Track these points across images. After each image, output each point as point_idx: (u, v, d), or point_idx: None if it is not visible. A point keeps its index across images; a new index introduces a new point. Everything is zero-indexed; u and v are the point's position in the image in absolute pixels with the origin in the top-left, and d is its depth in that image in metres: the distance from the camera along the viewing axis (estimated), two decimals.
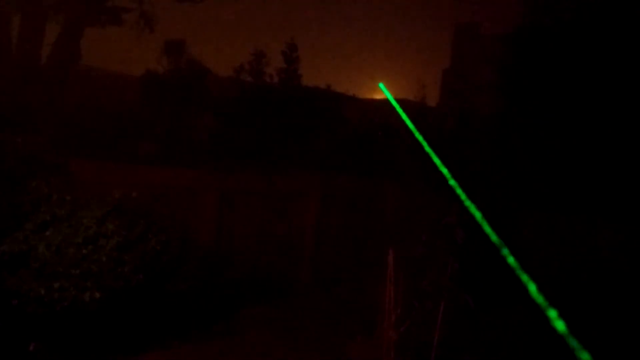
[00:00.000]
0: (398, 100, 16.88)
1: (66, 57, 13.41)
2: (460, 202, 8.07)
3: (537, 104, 10.57)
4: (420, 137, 8.73)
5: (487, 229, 6.28)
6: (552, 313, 3.92)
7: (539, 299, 4.30)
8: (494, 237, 5.90)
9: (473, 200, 7.50)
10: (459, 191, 7.52)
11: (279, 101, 14.06)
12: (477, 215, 7.05)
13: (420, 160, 11.55)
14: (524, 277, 4.61)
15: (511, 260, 4.84)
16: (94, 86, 14.09)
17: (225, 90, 14.13)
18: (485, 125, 11.39)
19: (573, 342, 3.57)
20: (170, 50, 14.33)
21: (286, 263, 10.76)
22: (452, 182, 7.86)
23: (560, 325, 3.75)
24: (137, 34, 14.82)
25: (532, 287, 4.31)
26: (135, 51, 15.04)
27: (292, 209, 10.85)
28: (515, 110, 10.64)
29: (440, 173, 10.38)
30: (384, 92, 10.46)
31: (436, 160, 8.60)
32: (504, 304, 8.20)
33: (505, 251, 4.95)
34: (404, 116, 9.87)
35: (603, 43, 10.22)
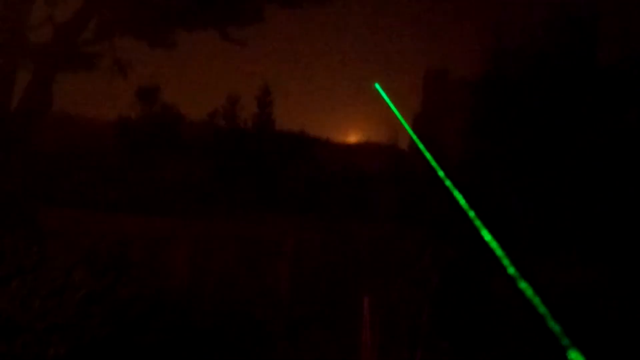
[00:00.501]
0: (371, 143, 17.14)
1: (37, 104, 13.29)
2: (435, 244, 8.09)
3: (504, 146, 10.83)
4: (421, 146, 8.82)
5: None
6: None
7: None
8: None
9: (449, 243, 7.52)
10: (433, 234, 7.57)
11: (252, 145, 14.11)
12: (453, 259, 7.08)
13: (395, 202, 11.63)
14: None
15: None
16: (66, 132, 13.94)
17: (199, 135, 14.13)
18: (458, 169, 11.57)
19: None
20: (143, 96, 14.33)
21: (261, 309, 10.55)
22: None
23: None
24: (110, 80, 14.80)
25: None
26: (108, 96, 15.00)
27: (266, 255, 10.72)
28: (485, 153, 10.86)
29: (415, 216, 10.48)
30: (380, 93, 10.58)
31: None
32: (481, 350, 8.14)
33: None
34: (403, 122, 9.97)
35: (560, 87, 10.63)
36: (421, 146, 9.37)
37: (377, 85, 10.56)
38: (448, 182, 8.58)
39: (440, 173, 8.56)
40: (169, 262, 9.56)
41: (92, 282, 7.16)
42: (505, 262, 7.32)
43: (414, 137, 9.49)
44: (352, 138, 18.00)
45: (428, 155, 8.93)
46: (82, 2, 14.16)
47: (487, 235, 7.53)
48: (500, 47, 11.39)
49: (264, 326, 10.11)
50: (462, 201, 8.31)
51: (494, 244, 7.41)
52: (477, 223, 8.06)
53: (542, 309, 6.51)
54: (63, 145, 13.24)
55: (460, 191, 9.77)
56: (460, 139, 11.92)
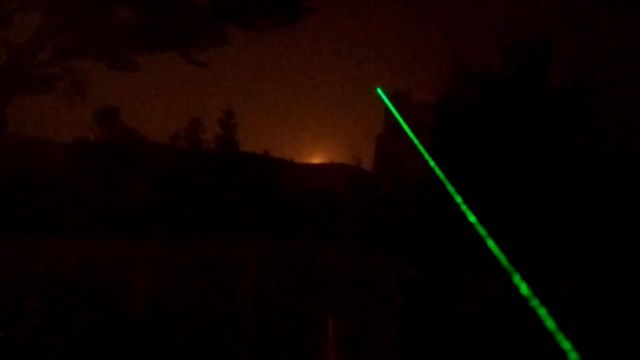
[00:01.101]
0: (335, 164, 17.24)
1: None
2: (398, 264, 8.15)
3: (462, 167, 11.08)
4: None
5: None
6: None
7: None
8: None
9: (411, 262, 7.59)
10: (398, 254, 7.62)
11: (215, 167, 14.01)
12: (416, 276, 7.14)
13: (358, 223, 11.69)
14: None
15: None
16: (20, 155, 13.56)
17: (160, 157, 13.96)
18: (417, 188, 11.75)
19: None
20: (102, 118, 14.11)
21: (224, 333, 10.36)
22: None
23: None
24: (68, 102, 14.54)
25: None
26: (66, 119, 14.71)
27: (229, 276, 10.56)
28: (444, 174, 11.06)
29: (380, 235, 10.55)
30: (381, 96, 10.67)
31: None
32: None
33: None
34: (400, 120, 10.01)
35: (517, 109, 10.98)
36: (433, 164, 9.49)
37: (379, 90, 10.68)
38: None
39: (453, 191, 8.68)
40: (129, 286, 9.31)
41: (47, 309, 6.91)
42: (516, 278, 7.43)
43: (425, 152, 9.56)
44: (317, 159, 18.11)
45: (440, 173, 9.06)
46: (39, 23, 13.95)
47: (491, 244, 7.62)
48: (459, 70, 11.71)
49: (228, 350, 9.92)
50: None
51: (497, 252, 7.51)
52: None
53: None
54: (17, 168, 12.87)
55: (424, 211, 9.95)
56: (421, 160, 12.12)
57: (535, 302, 7.86)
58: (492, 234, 9.27)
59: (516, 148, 10.59)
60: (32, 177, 12.52)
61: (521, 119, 10.69)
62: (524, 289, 8.27)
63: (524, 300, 8.11)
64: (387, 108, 16.20)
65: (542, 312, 7.94)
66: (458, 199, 9.96)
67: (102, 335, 7.54)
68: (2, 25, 13.35)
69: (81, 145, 13.71)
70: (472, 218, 9.62)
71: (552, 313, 7.46)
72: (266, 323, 10.25)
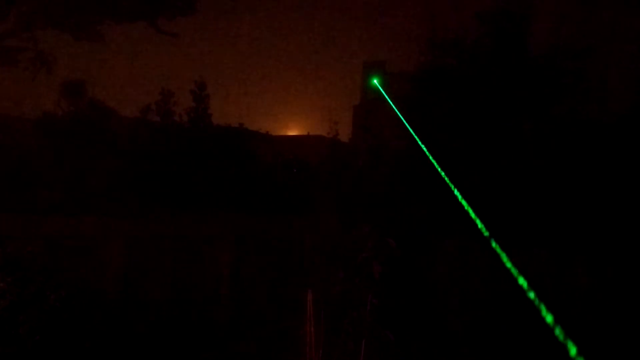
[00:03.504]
0: (312, 136, 17.05)
1: None
2: (376, 236, 8.09)
3: (440, 137, 11.04)
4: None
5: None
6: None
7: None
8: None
9: (390, 233, 7.54)
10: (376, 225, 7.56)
11: (188, 141, 13.72)
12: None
13: (336, 195, 11.61)
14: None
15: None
16: None
17: (131, 131, 13.58)
18: (395, 159, 11.70)
19: None
20: (69, 92, 13.62)
21: (201, 310, 10.26)
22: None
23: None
24: (32, 75, 13.98)
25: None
26: (32, 93, 14.17)
27: (205, 253, 10.41)
28: (421, 143, 11.01)
29: (358, 206, 10.48)
30: (376, 85, 10.51)
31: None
32: (423, 337, 8.24)
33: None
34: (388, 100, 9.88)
35: (496, 78, 10.93)
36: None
37: (373, 80, 10.55)
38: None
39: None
40: (102, 264, 9.10)
41: (18, 289, 6.70)
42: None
43: (404, 121, 9.48)
44: (293, 131, 17.87)
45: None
46: None
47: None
48: (436, 38, 11.57)
49: (206, 327, 9.85)
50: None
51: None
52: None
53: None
54: None
55: (401, 181, 9.90)
56: (398, 130, 12.04)
57: (513, 270, 7.94)
58: (471, 203, 9.29)
59: (495, 116, 10.57)
60: None
61: (500, 87, 10.64)
62: (503, 258, 8.35)
63: (503, 268, 8.18)
64: (363, 78, 16.01)
65: (521, 280, 8.03)
66: (437, 168, 9.95)
67: (76, 314, 7.39)
68: None
69: (48, 120, 13.24)
70: (451, 187, 9.63)
71: (530, 281, 7.54)
72: (243, 300, 10.20)
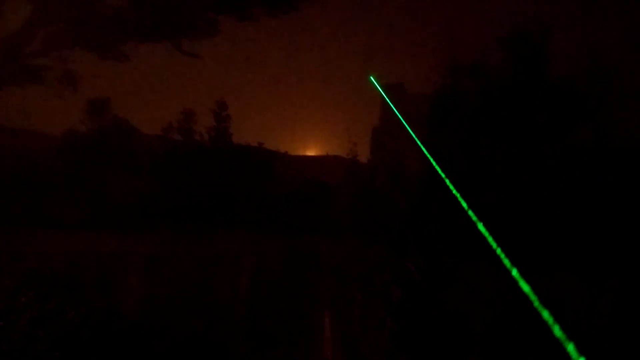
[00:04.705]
0: (330, 157, 17.09)
1: None
2: (395, 258, 8.04)
3: (459, 159, 10.99)
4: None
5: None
6: None
7: None
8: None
9: (408, 256, 7.49)
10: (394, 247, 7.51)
11: (209, 159, 13.86)
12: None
13: (354, 216, 11.59)
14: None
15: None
16: (12, 148, 13.33)
17: (153, 149, 13.78)
18: (413, 181, 11.67)
19: None
20: (94, 109, 13.91)
21: (219, 329, 10.25)
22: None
23: None
24: (58, 93, 14.26)
25: None
26: (58, 110, 14.46)
27: (223, 272, 10.44)
28: (442, 166, 10.96)
29: (376, 228, 10.45)
30: (374, 84, 10.49)
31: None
32: None
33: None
34: (396, 111, 9.86)
35: (516, 102, 10.88)
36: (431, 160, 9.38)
37: (371, 78, 10.51)
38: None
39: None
40: (121, 281, 9.18)
41: (39, 304, 6.79)
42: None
43: (421, 145, 9.44)
44: (312, 151, 17.94)
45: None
46: (29, 13, 13.67)
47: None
48: (456, 61, 11.60)
49: (224, 346, 9.82)
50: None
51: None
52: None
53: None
54: (7, 162, 12.66)
55: (420, 203, 9.85)
56: (416, 152, 12.01)
57: (534, 298, 7.81)
58: (491, 228, 9.21)
59: (515, 141, 10.51)
60: (23, 170, 12.32)
61: (520, 112, 10.60)
62: (523, 284, 8.22)
63: (523, 295, 8.06)
64: (383, 99, 16.06)
65: (540, 306, 7.89)
66: (456, 193, 9.88)
67: (95, 330, 7.43)
68: None
69: (72, 137, 13.51)
70: (470, 212, 9.55)
71: (552, 309, 7.40)
72: (262, 318, 10.16)
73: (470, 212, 9.76)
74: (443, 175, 10.24)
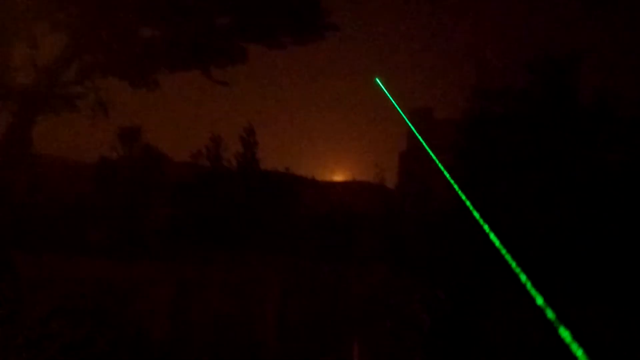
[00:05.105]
0: (357, 182, 17.07)
1: (16, 146, 13.03)
2: (425, 287, 7.92)
3: (488, 186, 10.84)
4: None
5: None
6: None
7: None
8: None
9: (438, 285, 7.37)
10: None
11: (236, 186, 13.97)
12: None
13: (382, 243, 11.49)
14: None
15: None
16: (45, 174, 13.67)
17: (182, 176, 13.96)
18: (441, 208, 11.53)
19: None
20: (125, 137, 14.20)
21: (248, 356, 10.20)
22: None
23: None
24: (91, 120, 14.61)
25: None
26: (89, 137, 14.81)
27: (251, 298, 10.42)
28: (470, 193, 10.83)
29: (405, 255, 10.33)
30: (380, 87, 10.41)
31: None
32: None
33: None
34: (403, 116, 9.80)
35: (543, 126, 10.73)
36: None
37: (377, 80, 10.44)
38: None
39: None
40: (150, 308, 9.22)
41: (70, 331, 6.85)
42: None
43: (447, 172, 9.33)
44: (339, 177, 17.95)
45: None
46: (65, 43, 14.12)
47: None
48: (483, 86, 11.54)
49: None
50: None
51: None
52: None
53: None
54: (42, 188, 12.98)
55: (451, 232, 9.74)
56: (444, 178, 11.91)
57: (564, 328, 7.59)
58: (519, 256, 9.02)
59: (545, 167, 10.34)
60: (55, 197, 12.60)
61: (549, 137, 10.45)
62: (552, 314, 8.00)
63: (554, 326, 7.84)
64: (408, 127, 16.01)
65: (568, 337, 7.66)
66: (483, 221, 9.73)
67: (124, 357, 7.45)
68: (30, 47, 13.54)
69: (104, 163, 13.79)
70: (497, 241, 9.38)
71: (583, 339, 7.17)
72: (289, 347, 10.07)
73: (498, 241, 9.60)
74: (472, 203, 10.11)
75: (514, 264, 8.79)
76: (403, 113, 10.60)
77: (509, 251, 9.28)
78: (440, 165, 10.57)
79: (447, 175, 10.52)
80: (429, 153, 11.64)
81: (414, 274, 8.16)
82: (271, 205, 13.33)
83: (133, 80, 15.61)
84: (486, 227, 9.65)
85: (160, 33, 15.26)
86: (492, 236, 9.50)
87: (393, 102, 10.55)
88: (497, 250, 9.54)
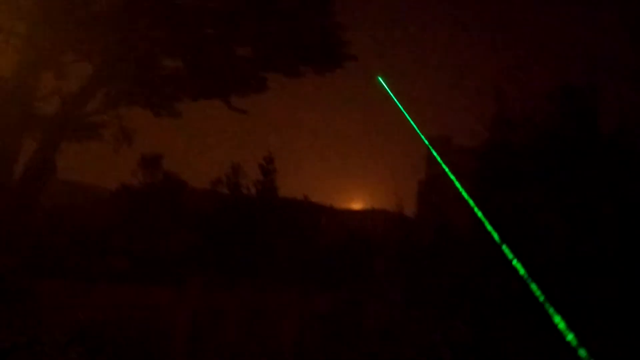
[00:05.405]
0: (376, 210, 17.00)
1: (41, 172, 13.27)
2: (445, 318, 7.79)
3: (509, 217, 10.71)
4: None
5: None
6: None
7: None
8: None
9: (459, 316, 7.25)
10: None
11: (255, 213, 14.02)
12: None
13: (401, 273, 11.37)
14: None
15: None
16: (68, 200, 13.90)
17: (201, 203, 14.07)
18: (461, 237, 11.41)
19: None
20: (146, 164, 14.42)
21: None
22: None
23: None
24: (114, 148, 14.88)
25: None
26: (112, 164, 15.07)
27: (269, 327, 10.34)
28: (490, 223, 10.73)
29: (424, 287, 10.18)
30: (383, 86, 10.28)
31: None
32: None
33: None
34: (407, 116, 9.72)
35: (562, 156, 10.62)
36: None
37: (379, 79, 10.38)
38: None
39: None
40: (168, 335, 9.21)
41: (89, 358, 6.86)
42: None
43: (469, 200, 9.25)
44: (358, 205, 17.90)
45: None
46: (90, 73, 14.47)
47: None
48: (503, 115, 11.49)
49: None
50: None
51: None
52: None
53: None
54: (63, 214, 13.17)
55: (469, 262, 9.61)
56: (464, 208, 11.82)
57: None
58: (543, 287, 8.85)
59: (565, 198, 10.19)
60: (77, 223, 12.77)
61: (570, 168, 10.32)
62: (575, 343, 7.81)
63: (577, 355, 7.62)
64: (429, 153, 15.96)
65: None
66: (506, 250, 9.60)
67: None
68: (56, 76, 13.92)
69: (125, 190, 13.99)
70: (521, 270, 9.23)
71: None
72: None
73: (522, 269, 9.45)
74: (493, 233, 9.99)
75: (537, 293, 8.64)
76: (423, 139, 10.59)
77: (532, 280, 9.13)
78: (463, 192, 10.51)
79: (470, 202, 10.46)
80: (448, 181, 11.59)
81: (433, 305, 8.02)
82: (289, 233, 13.34)
83: (156, 109, 15.93)
84: (508, 255, 9.53)
85: (182, 63, 15.59)
86: (515, 264, 9.38)
87: (401, 107, 10.50)
88: (518, 279, 9.39)
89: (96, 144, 15.12)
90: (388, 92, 10.47)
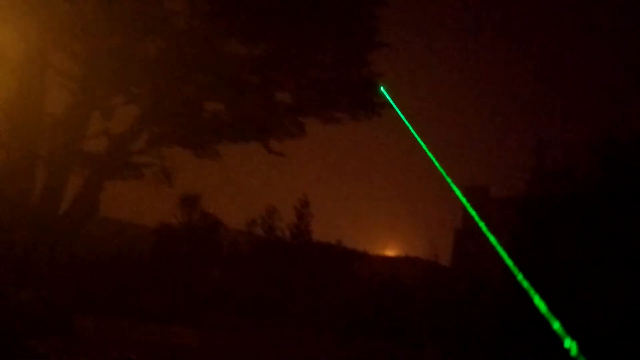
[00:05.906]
0: (410, 258, 16.79)
1: (85, 211, 13.68)
2: None
3: (549, 270, 10.41)
4: None
5: None
6: None
7: None
8: None
9: None
10: None
11: (289, 256, 14.06)
12: None
13: (436, 324, 11.13)
14: None
15: None
16: (108, 238, 14.24)
17: (236, 244, 14.22)
18: (498, 290, 11.12)
19: None
20: (185, 204, 14.72)
21: None
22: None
23: None
24: (156, 187, 15.27)
25: None
26: (152, 203, 15.43)
27: None
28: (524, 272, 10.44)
29: (460, 339, 9.93)
30: (385, 96, 10.14)
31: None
32: None
33: None
34: (412, 130, 9.55)
35: (604, 208, 10.32)
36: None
37: (382, 88, 10.29)
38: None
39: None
40: None
41: None
42: None
43: (503, 252, 9.08)
44: (391, 251, 17.73)
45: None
46: (136, 115, 15.01)
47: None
48: (544, 166, 11.32)
49: None
50: None
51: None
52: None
53: None
54: (102, 250, 13.48)
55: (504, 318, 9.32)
56: (500, 259, 11.56)
57: None
58: (578, 343, 8.51)
59: (605, 252, 9.87)
60: (115, 260, 13.05)
61: (610, 221, 10.02)
62: None
63: None
64: (463, 205, 15.79)
65: None
66: (542, 305, 9.30)
67: None
68: (104, 118, 14.49)
69: (164, 229, 14.28)
70: (556, 325, 8.90)
71: None
72: None
73: (559, 326, 9.12)
74: (529, 287, 9.70)
75: (574, 350, 8.31)
76: (459, 190, 10.49)
77: (571, 337, 8.79)
78: (497, 245, 10.29)
79: (504, 256, 10.22)
80: (484, 232, 11.40)
81: (468, 358, 7.81)
82: (322, 278, 13.30)
83: (197, 151, 16.32)
84: (544, 311, 9.21)
85: (223, 106, 16.03)
86: (552, 320, 9.05)
87: (405, 120, 10.41)
88: (555, 335, 9.06)
89: (138, 182, 15.55)
90: (390, 102, 10.39)
